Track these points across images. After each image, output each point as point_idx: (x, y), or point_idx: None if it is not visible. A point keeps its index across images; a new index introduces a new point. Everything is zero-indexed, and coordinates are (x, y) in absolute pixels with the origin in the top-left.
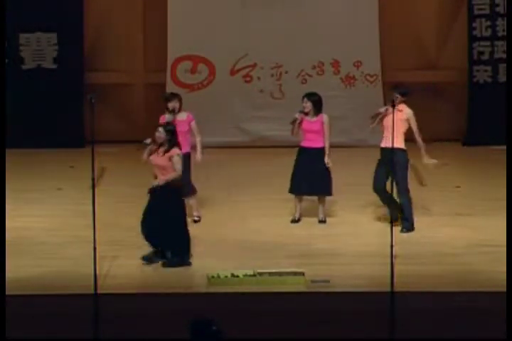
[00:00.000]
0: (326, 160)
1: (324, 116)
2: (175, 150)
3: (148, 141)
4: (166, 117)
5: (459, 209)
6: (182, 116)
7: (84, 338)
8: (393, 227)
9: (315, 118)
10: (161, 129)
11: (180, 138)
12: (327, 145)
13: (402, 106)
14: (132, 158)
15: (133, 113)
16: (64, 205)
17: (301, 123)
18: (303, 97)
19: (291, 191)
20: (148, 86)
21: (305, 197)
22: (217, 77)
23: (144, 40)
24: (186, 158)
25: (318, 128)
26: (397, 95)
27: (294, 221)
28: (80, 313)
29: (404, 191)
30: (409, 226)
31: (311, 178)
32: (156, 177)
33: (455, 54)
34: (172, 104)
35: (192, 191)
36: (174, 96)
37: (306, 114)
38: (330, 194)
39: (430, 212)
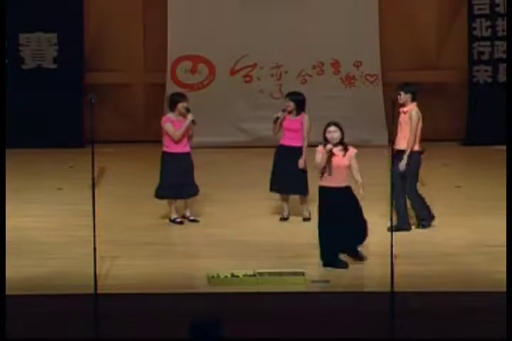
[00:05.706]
0: (301, 161)
1: (305, 117)
2: None
3: None
4: (185, 117)
5: (459, 209)
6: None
7: (84, 338)
8: (393, 227)
9: (296, 118)
10: None
11: (184, 138)
12: (305, 146)
13: (408, 107)
14: (132, 158)
15: (133, 113)
16: (64, 205)
17: (282, 121)
18: (286, 96)
19: (271, 189)
20: (148, 86)
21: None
22: (217, 77)
23: (144, 40)
24: (190, 159)
25: (297, 127)
26: (400, 92)
27: (283, 219)
28: (80, 313)
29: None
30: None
31: (288, 177)
32: None
33: (455, 54)
34: (185, 105)
35: (197, 191)
36: (184, 96)
37: (290, 112)
38: (304, 194)
39: None
